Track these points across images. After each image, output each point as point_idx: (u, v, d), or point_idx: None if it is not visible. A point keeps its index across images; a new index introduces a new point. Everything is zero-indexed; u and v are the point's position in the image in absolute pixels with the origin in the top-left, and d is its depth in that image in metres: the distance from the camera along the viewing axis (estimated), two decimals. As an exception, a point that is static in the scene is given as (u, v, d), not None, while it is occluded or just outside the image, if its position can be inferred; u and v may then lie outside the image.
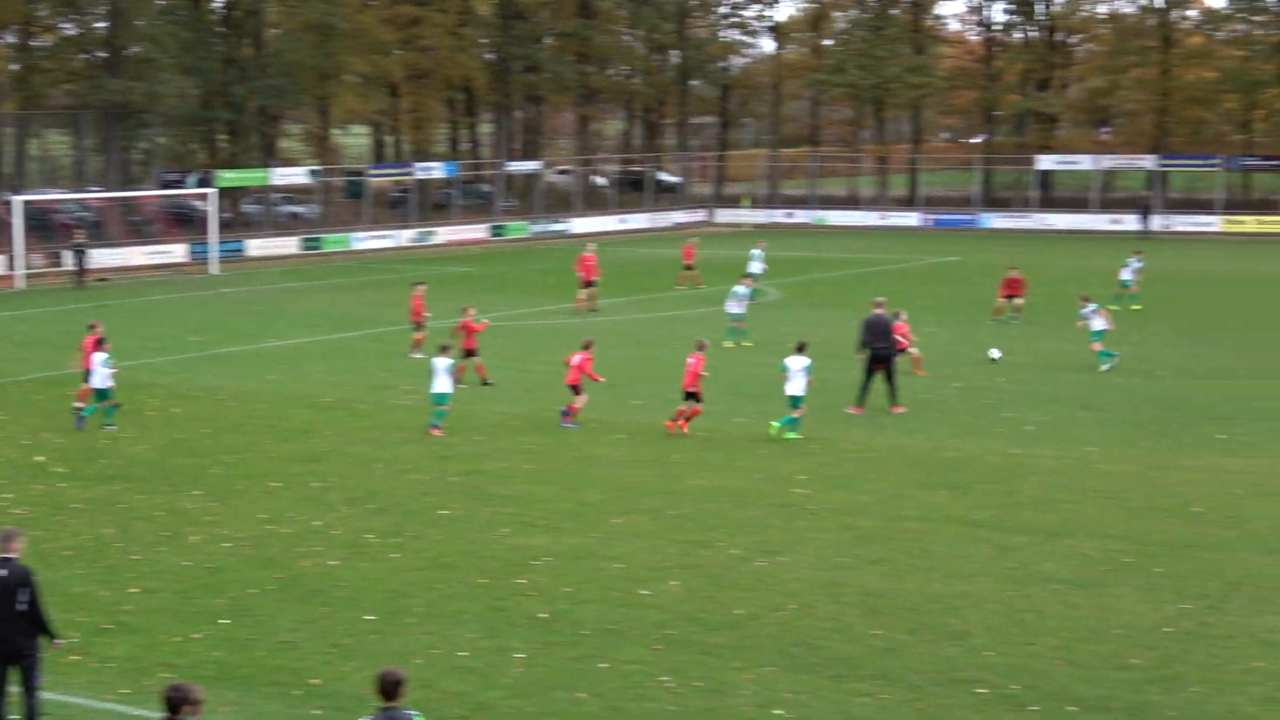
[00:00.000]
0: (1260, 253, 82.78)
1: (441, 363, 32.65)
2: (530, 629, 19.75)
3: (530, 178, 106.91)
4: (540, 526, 24.77)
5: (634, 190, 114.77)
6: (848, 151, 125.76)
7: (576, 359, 33.34)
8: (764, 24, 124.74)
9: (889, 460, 29.78)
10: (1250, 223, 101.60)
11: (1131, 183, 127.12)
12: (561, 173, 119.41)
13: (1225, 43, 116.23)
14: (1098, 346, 41.22)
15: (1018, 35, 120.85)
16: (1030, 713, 16.98)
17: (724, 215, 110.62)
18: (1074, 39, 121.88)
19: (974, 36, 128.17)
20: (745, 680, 17.94)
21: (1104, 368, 40.60)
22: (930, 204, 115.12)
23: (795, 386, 32.02)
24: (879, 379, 35.09)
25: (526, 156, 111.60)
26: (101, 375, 32.67)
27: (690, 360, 32.71)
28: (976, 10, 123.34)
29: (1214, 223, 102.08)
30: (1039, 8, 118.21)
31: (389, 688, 12.90)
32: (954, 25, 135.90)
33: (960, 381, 39.05)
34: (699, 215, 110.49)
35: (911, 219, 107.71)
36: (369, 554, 23.16)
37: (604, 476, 28.45)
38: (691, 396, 32.57)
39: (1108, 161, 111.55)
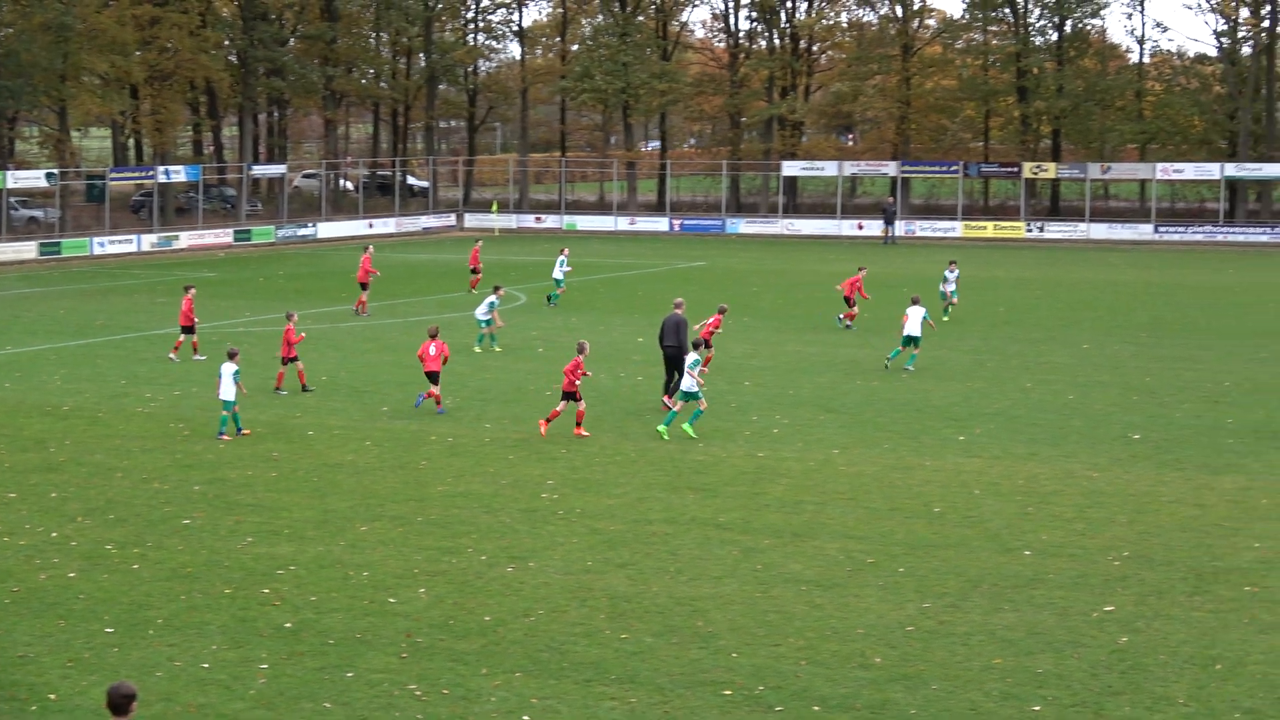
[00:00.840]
0: (998, 258, 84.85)
1: (228, 368, 32.27)
2: (275, 639, 19.43)
3: (276, 181, 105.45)
4: (285, 535, 24.40)
5: (382, 194, 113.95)
6: (596, 156, 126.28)
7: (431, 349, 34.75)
8: (510, 29, 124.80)
9: (636, 464, 29.89)
10: (990, 228, 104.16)
11: (875, 188, 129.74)
12: (308, 177, 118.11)
13: (963, 52, 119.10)
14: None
15: (762, 42, 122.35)
16: (775, 713, 17.14)
17: (473, 220, 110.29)
18: (817, 47, 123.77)
19: (719, 43, 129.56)
20: (493, 687, 17.85)
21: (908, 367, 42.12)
22: (679, 209, 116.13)
23: (686, 383, 32.67)
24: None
25: (271, 160, 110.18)
26: None
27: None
28: (721, 17, 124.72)
29: (955, 228, 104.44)
30: (782, 16, 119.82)
31: (119, 702, 12.53)
32: (700, 32, 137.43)
33: (707, 385, 39.33)
34: (448, 220, 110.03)
35: (660, 224, 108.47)
36: (109, 565, 22.60)
37: (349, 483, 28.13)
38: (569, 397, 32.75)
39: (851, 167, 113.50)
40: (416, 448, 31.35)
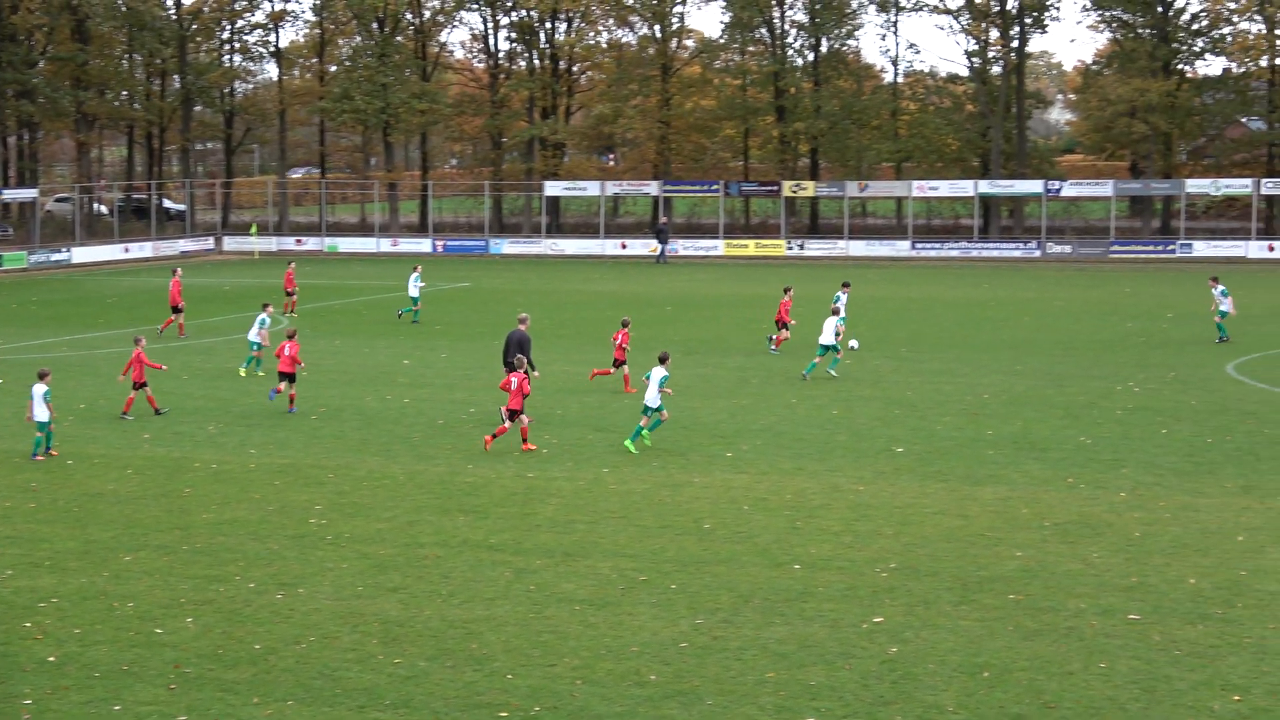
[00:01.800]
0: (760, 276, 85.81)
1: (39, 390, 31.84)
2: (38, 674, 18.88)
3: (27, 206, 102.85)
4: (46, 567, 23.74)
5: (138, 218, 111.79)
6: (357, 178, 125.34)
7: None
8: (267, 49, 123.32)
9: (405, 487, 29.63)
10: (751, 246, 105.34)
11: (637, 208, 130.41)
12: (60, 200, 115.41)
13: (722, 72, 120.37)
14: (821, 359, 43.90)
15: (522, 63, 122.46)
16: (553, 734, 17.08)
17: (232, 243, 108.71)
18: (577, 67, 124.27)
19: (479, 64, 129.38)
20: (265, 715, 17.53)
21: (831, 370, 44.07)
22: (441, 230, 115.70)
23: (651, 397, 33.17)
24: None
25: (22, 184, 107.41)
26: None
27: (513, 380, 33.38)
28: (481, 38, 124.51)
29: (717, 247, 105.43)
30: (542, 37, 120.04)
31: None
32: (459, 53, 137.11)
33: (475, 406, 39.19)
34: (206, 243, 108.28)
35: (423, 245, 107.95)
36: None
37: (111, 513, 27.47)
38: (515, 414, 33.17)
39: (614, 187, 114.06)
40: (180, 475, 30.73)
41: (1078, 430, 35.20)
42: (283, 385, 38.17)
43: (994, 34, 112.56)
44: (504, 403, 34.30)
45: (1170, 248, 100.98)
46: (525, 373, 33.79)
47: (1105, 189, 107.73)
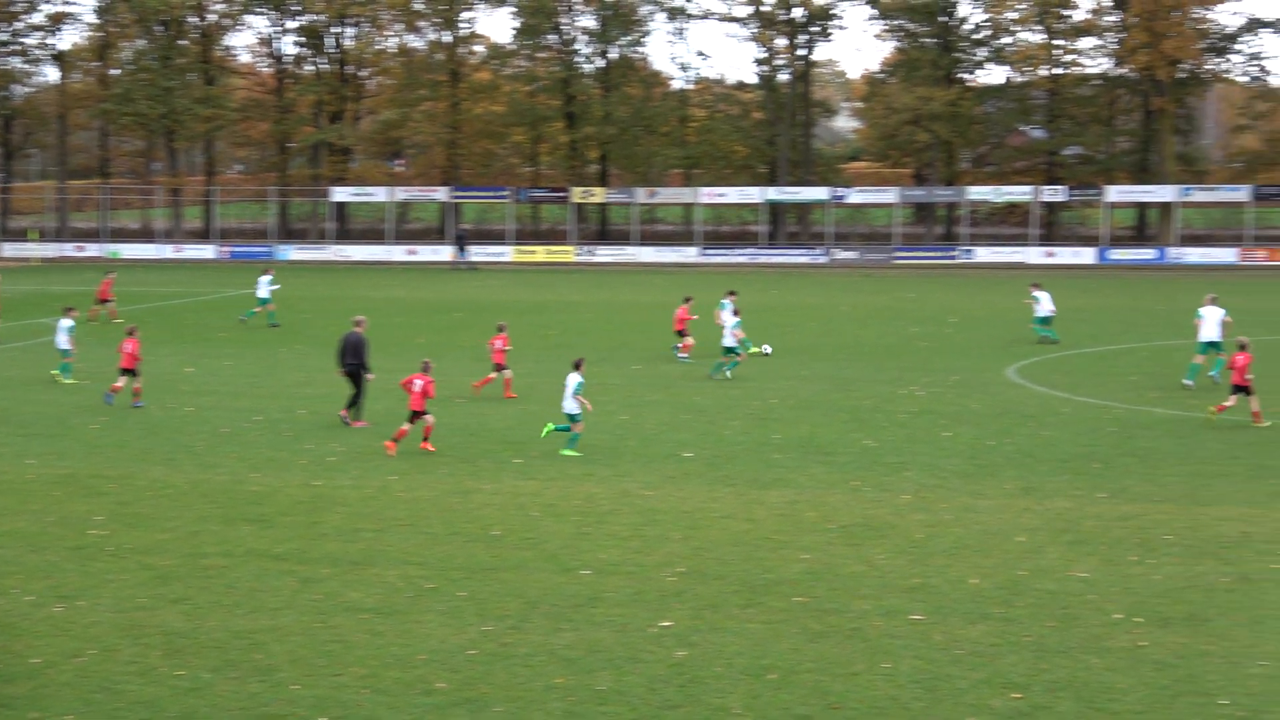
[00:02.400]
0: (549, 281, 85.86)
1: None
2: None
3: None
4: None
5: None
6: (140, 183, 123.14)
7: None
8: (47, 52, 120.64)
9: (189, 496, 29.12)
10: (540, 252, 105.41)
11: (426, 214, 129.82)
12: None
13: (511, 78, 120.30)
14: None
15: (309, 68, 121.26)
16: (339, 745, 16.88)
17: (10, 249, 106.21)
18: (365, 72, 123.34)
19: (265, 68, 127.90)
20: (41, 734, 17.11)
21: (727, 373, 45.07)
22: (227, 236, 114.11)
23: (569, 405, 33.37)
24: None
25: None
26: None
27: (416, 381, 33.61)
28: (267, 42, 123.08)
29: (506, 253, 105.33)
30: (329, 41, 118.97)
31: None
32: (245, 57, 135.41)
33: (260, 414, 38.67)
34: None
35: (208, 251, 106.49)
36: None
37: (-119, 527, 26.63)
38: (418, 415, 33.49)
39: (402, 193, 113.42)
40: (-47, 487, 29.90)
41: (863, 434, 35.67)
42: (122, 381, 38.57)
43: (781, 42, 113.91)
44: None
45: (953, 254, 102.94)
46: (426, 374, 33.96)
47: (890, 196, 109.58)
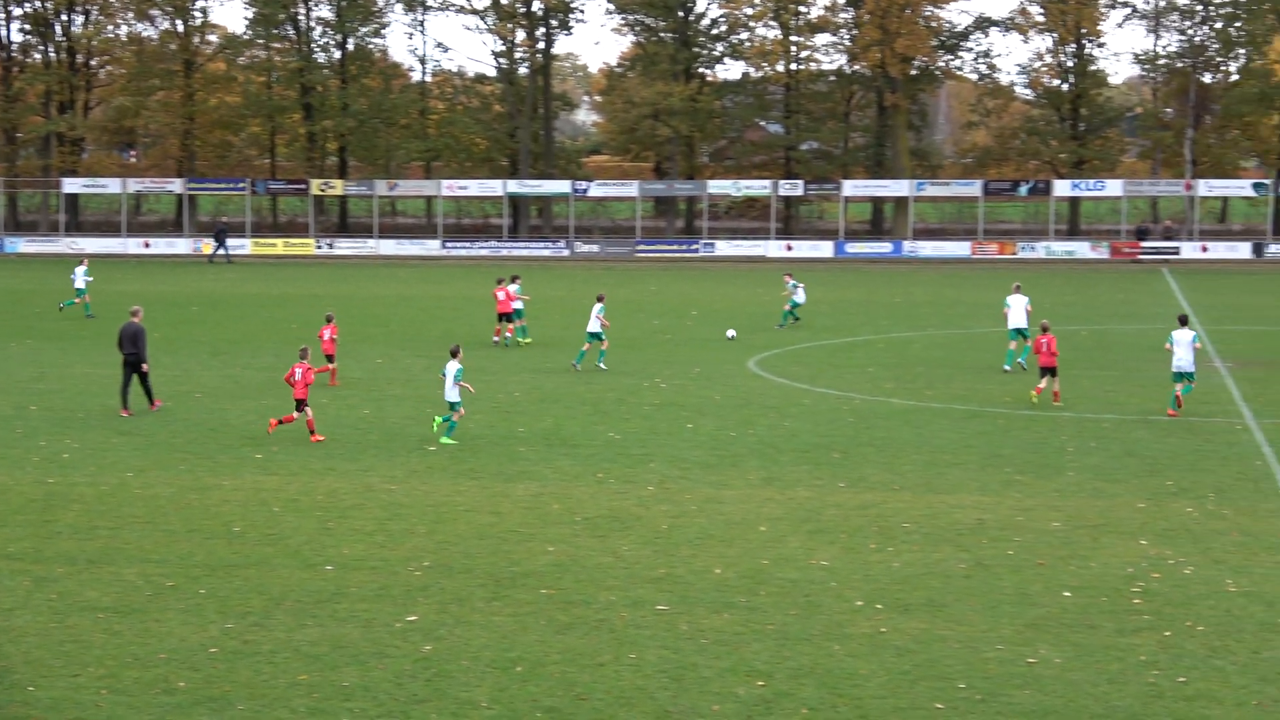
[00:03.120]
0: (289, 275, 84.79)
1: None
2: None
3: None
4: None
5: None
6: None
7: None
8: None
9: (-85, 496, 28.16)
10: (280, 245, 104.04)
11: (161, 206, 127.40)
12: None
13: (247, 68, 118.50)
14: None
15: (37, 56, 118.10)
16: (76, 749, 16.45)
17: None
18: (96, 61, 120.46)
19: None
20: None
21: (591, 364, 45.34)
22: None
23: (450, 393, 33.67)
24: (135, 380, 37.36)
25: None
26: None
27: (296, 370, 34.32)
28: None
29: (244, 245, 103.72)
30: (58, 29, 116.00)
31: None
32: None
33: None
34: None
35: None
36: None
37: None
38: (301, 404, 34.09)
39: (136, 185, 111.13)
40: None
41: (607, 426, 35.82)
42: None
43: (520, 35, 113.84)
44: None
45: (694, 247, 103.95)
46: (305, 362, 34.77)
47: (631, 190, 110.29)
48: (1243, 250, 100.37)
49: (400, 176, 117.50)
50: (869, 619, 20.70)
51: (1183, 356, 36.85)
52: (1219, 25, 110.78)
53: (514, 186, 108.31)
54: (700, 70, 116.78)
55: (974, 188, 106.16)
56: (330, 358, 42.26)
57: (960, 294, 71.55)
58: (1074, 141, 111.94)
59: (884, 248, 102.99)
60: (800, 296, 56.52)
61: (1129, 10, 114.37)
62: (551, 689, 18.17)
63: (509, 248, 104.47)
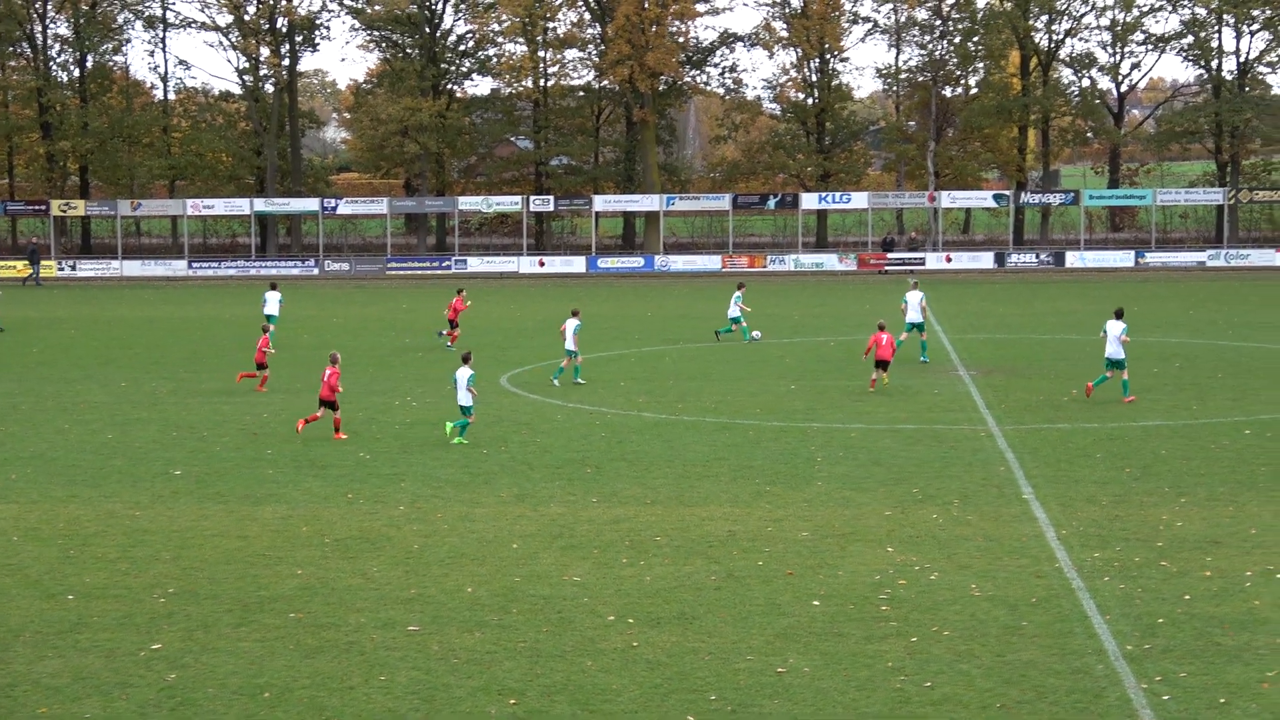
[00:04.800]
0: (16, 297, 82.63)
1: None
2: None
3: None
4: None
5: None
6: None
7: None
8: None
9: None
10: (20, 267, 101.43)
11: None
12: None
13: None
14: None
15: None
16: None
17: None
18: None
19: None
20: None
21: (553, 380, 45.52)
22: None
23: (463, 397, 35.61)
24: None
25: None
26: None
27: (326, 371, 36.73)
28: None
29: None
30: None
31: None
32: None
33: None
34: None
35: None
36: None
37: None
38: (329, 404, 36.59)
39: None
40: None
41: (357, 446, 35.43)
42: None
43: (265, 52, 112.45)
44: None
45: (446, 264, 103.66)
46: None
47: (381, 207, 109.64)
48: (985, 260, 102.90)
49: (144, 196, 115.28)
50: (621, 634, 20.71)
51: (1112, 346, 40.33)
52: (957, 40, 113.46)
53: (261, 205, 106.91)
54: (449, 86, 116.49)
55: (723, 202, 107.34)
56: (261, 365, 45.09)
57: (711, 307, 72.18)
58: (820, 155, 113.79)
59: (636, 262, 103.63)
60: (734, 310, 55.66)
61: (870, 25, 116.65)
62: (300, 714, 17.88)
63: (257, 267, 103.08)
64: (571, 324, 45.45)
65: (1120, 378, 40.66)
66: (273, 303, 58.18)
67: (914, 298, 50.10)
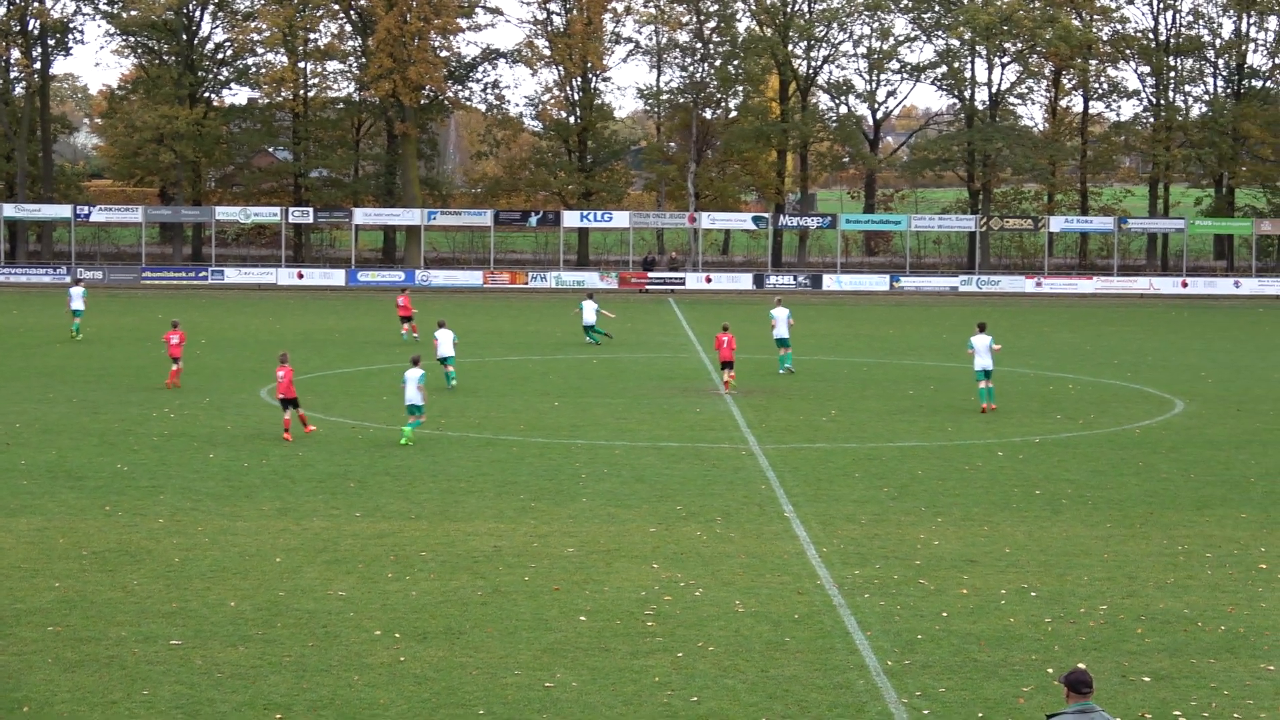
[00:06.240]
0: None
1: None
2: None
3: None
4: None
5: None
6: None
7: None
8: None
9: None
10: None
11: None
12: None
13: None
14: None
15: None
16: None
17: None
18: None
19: None
20: None
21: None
22: None
23: (412, 395, 37.20)
24: None
25: None
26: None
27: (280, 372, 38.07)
28: None
29: None
30: None
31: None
32: None
33: None
34: None
35: None
36: None
37: None
38: (288, 401, 38.06)
39: None
40: None
41: (115, 458, 34.79)
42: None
43: (16, 54, 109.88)
44: None
45: (203, 274, 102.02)
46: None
47: (136, 215, 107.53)
48: (744, 281, 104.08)
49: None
50: (388, 648, 20.65)
51: (982, 357, 42.87)
52: (718, 63, 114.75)
53: (10, 210, 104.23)
54: (206, 95, 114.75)
55: (485, 217, 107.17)
56: (175, 359, 47.41)
57: (473, 322, 72.09)
58: (582, 173, 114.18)
59: (396, 276, 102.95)
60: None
61: (633, 46, 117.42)
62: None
63: (6, 273, 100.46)
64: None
65: (989, 386, 43.54)
66: (78, 298, 62.83)
67: (781, 314, 52.86)
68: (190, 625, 21.58)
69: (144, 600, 22.81)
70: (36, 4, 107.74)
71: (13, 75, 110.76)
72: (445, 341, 48.18)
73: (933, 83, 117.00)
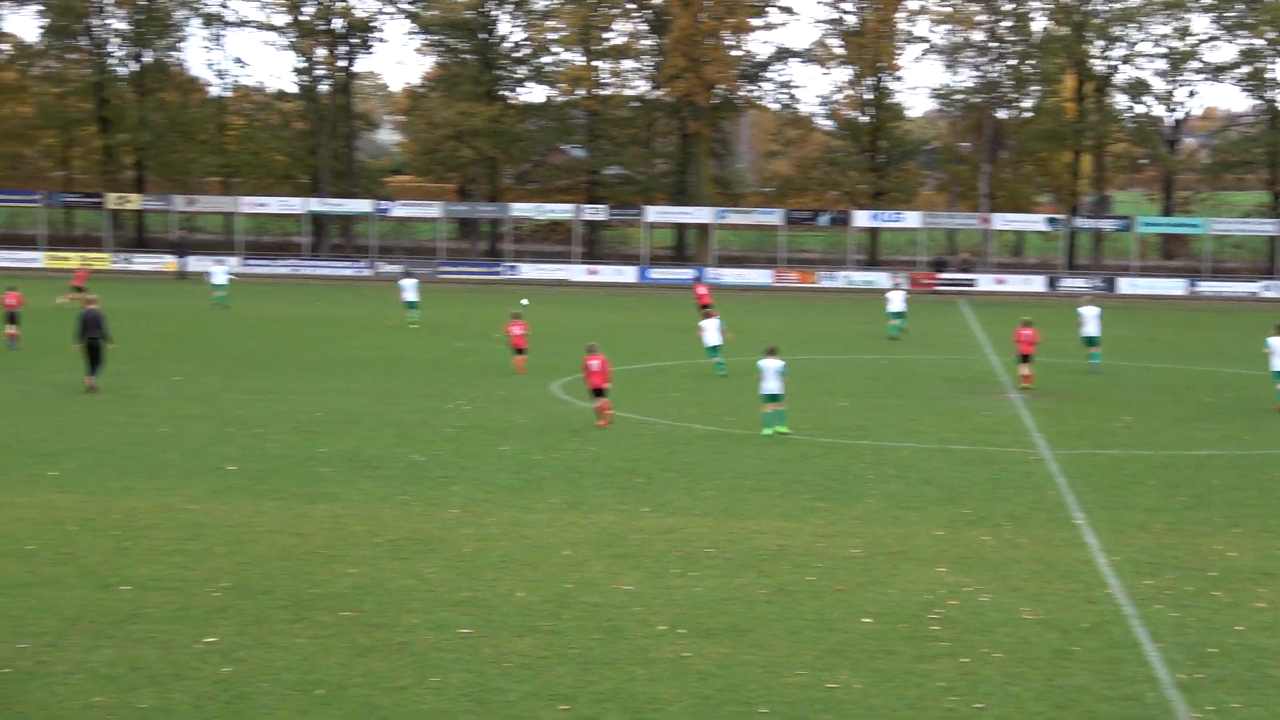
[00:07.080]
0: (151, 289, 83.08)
1: None
2: None
3: None
4: None
5: None
6: None
7: None
8: None
9: None
10: (75, 259, 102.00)
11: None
12: None
13: (41, 79, 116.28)
14: None
15: None
16: None
17: None
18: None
19: None
20: None
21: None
22: None
23: (771, 384, 38.54)
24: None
25: None
26: None
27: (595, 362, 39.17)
28: None
29: (38, 258, 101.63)
30: None
31: None
32: None
33: None
34: None
35: None
36: None
37: None
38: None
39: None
40: None
41: (410, 448, 35.59)
42: None
43: (321, 52, 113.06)
44: None
45: (497, 269, 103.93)
46: None
47: (434, 210, 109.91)
48: (1037, 284, 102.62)
49: (199, 192, 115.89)
50: (672, 644, 20.77)
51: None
52: (1013, 63, 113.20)
53: (315, 205, 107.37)
54: (503, 93, 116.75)
55: (775, 216, 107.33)
56: (520, 350, 50.62)
57: (762, 322, 72.22)
58: (873, 173, 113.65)
59: (687, 274, 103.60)
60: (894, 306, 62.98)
61: (926, 46, 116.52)
62: (353, 712, 18.00)
63: (310, 266, 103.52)
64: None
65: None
66: (410, 290, 66.83)
67: (1090, 312, 54.48)
68: (480, 614, 21.97)
69: (435, 588, 23.29)
70: (341, 3, 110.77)
71: (318, 73, 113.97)
72: (711, 330, 49.79)
73: (1235, 82, 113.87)
